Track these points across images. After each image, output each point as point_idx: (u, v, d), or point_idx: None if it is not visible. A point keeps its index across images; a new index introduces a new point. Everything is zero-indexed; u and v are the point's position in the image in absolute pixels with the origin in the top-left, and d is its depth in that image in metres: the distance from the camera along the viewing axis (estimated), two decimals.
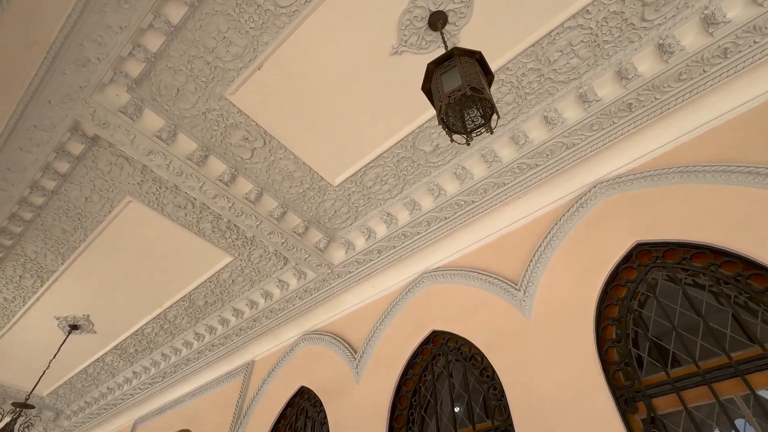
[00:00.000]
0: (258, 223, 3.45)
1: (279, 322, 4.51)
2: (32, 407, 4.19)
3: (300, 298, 4.26)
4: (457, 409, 2.92)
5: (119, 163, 3.27)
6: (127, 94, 2.79)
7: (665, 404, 2.11)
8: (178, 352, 5.23)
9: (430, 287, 3.54)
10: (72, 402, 6.57)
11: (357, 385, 3.48)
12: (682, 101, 2.64)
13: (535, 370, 2.52)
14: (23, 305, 4.62)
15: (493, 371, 2.79)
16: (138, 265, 4.22)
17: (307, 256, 3.75)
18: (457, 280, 3.35)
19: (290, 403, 4.05)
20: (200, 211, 3.63)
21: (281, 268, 4.18)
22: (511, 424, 2.50)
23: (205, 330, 4.90)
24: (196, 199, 3.51)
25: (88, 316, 4.82)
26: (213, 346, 4.94)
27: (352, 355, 3.68)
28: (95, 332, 5.07)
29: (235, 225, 3.75)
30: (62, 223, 3.73)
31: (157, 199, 3.53)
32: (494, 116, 2.71)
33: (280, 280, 4.23)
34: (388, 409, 3.14)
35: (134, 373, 5.70)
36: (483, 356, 2.90)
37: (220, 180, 3.21)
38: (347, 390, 3.52)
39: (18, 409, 4.13)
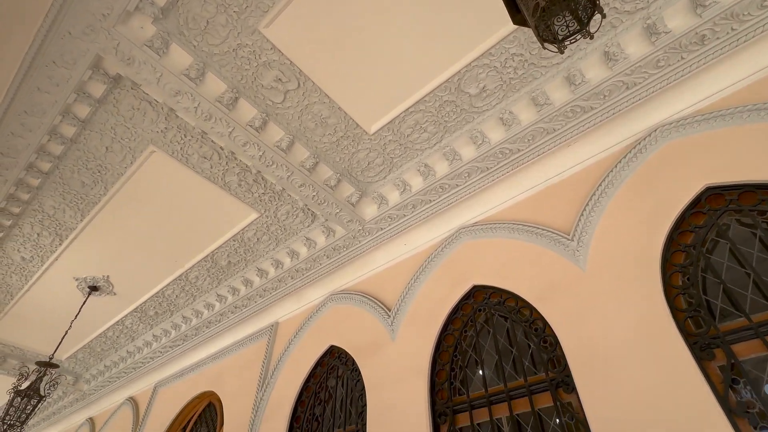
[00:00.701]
0: (289, 174, 3.27)
1: (305, 282, 4.40)
2: (56, 366, 4.13)
3: (328, 257, 4.13)
4: (494, 364, 2.81)
5: (142, 107, 3.06)
6: (153, 26, 2.56)
7: (746, 350, 1.98)
8: (200, 315, 5.15)
9: (468, 242, 3.39)
10: (91, 366, 6.57)
11: (393, 342, 3.39)
12: (762, 31, 2.41)
13: (595, 320, 2.39)
14: (41, 265, 4.51)
15: (545, 324, 2.66)
16: (159, 223, 4.07)
17: (338, 210, 3.59)
18: (499, 234, 3.20)
19: (319, 363, 3.98)
20: (227, 163, 3.45)
21: (308, 226, 4.03)
22: (568, 375, 2.38)
23: (228, 291, 4.80)
24: (223, 149, 3.32)
25: (107, 276, 4.71)
26: (236, 308, 4.85)
27: (386, 312, 3.57)
28: (115, 294, 4.98)
29: (262, 178, 3.57)
30: (81, 175, 3.55)
31: (181, 149, 3.34)
32: (596, 16, 2.32)
33: (307, 238, 4.08)
34: (429, 364, 3.04)
35: (154, 336, 5.65)
36: (532, 309, 2.77)
37: (250, 126, 3.02)
38: (382, 347, 3.43)
39: (42, 369, 4.07)
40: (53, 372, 4.16)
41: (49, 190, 3.67)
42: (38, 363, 4.06)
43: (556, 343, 2.55)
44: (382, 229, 3.79)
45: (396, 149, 3.33)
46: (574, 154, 2.98)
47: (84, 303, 4.76)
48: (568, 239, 2.75)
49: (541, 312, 2.67)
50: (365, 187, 3.65)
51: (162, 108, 3.06)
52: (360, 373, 3.55)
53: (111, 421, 6.51)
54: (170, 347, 5.65)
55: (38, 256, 4.40)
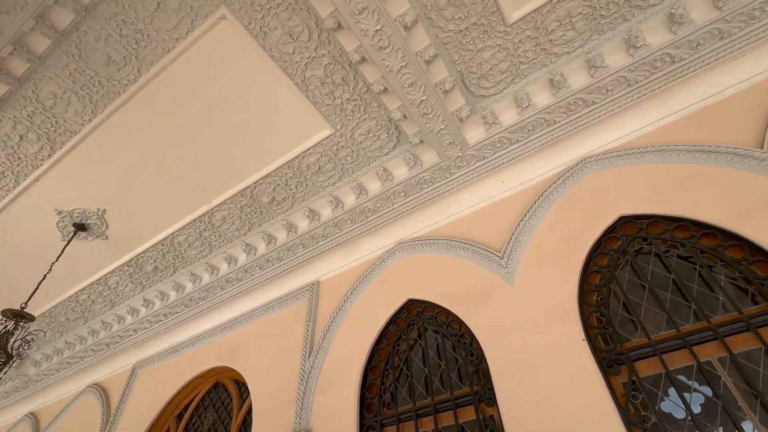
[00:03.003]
0: (402, 64, 2.57)
1: (365, 228, 3.64)
2: (32, 318, 3.01)
3: (405, 194, 3.42)
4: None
5: None
6: None
7: None
8: (215, 271, 4.17)
9: (598, 173, 2.87)
10: (47, 342, 5.23)
11: (511, 287, 2.75)
12: None
13: None
14: (15, 186, 3.38)
15: (752, 249, 2.16)
16: (195, 136, 3.16)
17: (442, 127, 2.93)
18: (648, 159, 2.70)
19: (393, 321, 3.23)
20: (316, 48, 2.68)
21: (388, 153, 3.31)
22: None
23: (262, 239, 3.90)
24: (319, 24, 2.56)
25: (103, 212, 3.65)
26: (267, 261, 3.96)
27: (494, 255, 2.93)
28: (106, 237, 3.89)
29: (355, 76, 2.83)
30: (110, 46, 2.61)
31: (263, 17, 2.53)
32: None
33: (384, 170, 3.35)
34: (576, 307, 2.43)
35: (145, 301, 4.54)
36: (721, 235, 2.27)
37: None
38: (494, 294, 2.78)
39: (12, 321, 2.95)
40: (27, 326, 3.05)
41: (57, 66, 2.68)
42: (5, 312, 2.94)
43: None
44: (484, 158, 3.17)
45: (530, 51, 2.76)
46: (750, 63, 2.57)
47: (66, 246, 3.64)
48: (763, 153, 2.30)
49: (744, 236, 2.17)
50: (476, 102, 3.03)
51: None
52: (462, 325, 2.86)
53: (65, 414, 5.19)
54: (164, 316, 4.56)
55: (13, 172, 3.28)
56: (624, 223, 2.64)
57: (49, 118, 2.95)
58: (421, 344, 3.06)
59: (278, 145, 3.24)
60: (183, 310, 4.45)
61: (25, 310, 2.98)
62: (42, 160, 3.20)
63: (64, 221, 3.66)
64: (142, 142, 3.17)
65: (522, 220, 2.96)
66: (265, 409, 3.37)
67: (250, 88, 2.89)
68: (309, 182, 3.49)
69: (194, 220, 3.76)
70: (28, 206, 3.52)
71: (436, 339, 3.00)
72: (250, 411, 3.75)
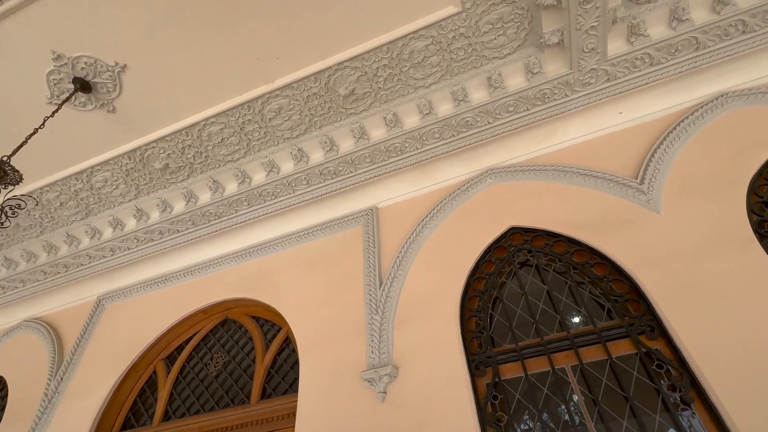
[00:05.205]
0: None
1: (451, 148, 3.11)
2: (16, 180, 2.04)
3: (514, 110, 2.94)
4: None
5: None
6: None
7: None
8: (246, 180, 3.35)
9: (742, 109, 2.65)
10: None
11: (657, 214, 2.40)
12: None
13: None
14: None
15: None
16: None
17: (595, 23, 2.50)
18: None
19: (491, 249, 2.74)
20: None
21: (507, 55, 2.81)
22: None
23: (320, 145, 3.18)
24: None
25: (122, 68, 2.72)
26: (320, 174, 3.24)
27: (631, 181, 2.57)
28: (113, 109, 2.93)
29: None
30: None
31: None
32: None
33: (499, 74, 2.84)
34: (753, 235, 2.14)
35: (137, 211, 3.55)
36: None
37: None
38: (640, 221, 2.42)
39: None
40: (10, 188, 2.11)
41: None
42: None
43: None
44: (617, 77, 2.80)
45: None
46: None
47: (58, 109, 2.64)
48: None
49: None
50: (628, 8, 2.65)
51: None
52: (591, 255, 2.46)
53: None
54: (159, 234, 3.61)
55: None
56: None
57: None
58: (527, 276, 2.61)
59: (383, 16, 2.60)
60: (188, 228, 3.56)
61: (9, 162, 2.02)
62: None
63: (60, 72, 2.67)
64: None
65: (657, 149, 2.64)
66: (317, 345, 2.69)
67: None
68: (402, 77, 2.88)
69: (239, 106, 2.96)
70: (11, 38, 2.50)
71: (542, 270, 2.56)
72: (281, 351, 3.03)
